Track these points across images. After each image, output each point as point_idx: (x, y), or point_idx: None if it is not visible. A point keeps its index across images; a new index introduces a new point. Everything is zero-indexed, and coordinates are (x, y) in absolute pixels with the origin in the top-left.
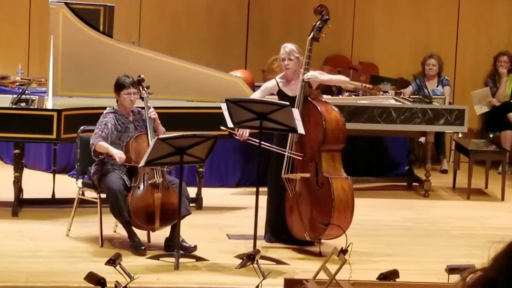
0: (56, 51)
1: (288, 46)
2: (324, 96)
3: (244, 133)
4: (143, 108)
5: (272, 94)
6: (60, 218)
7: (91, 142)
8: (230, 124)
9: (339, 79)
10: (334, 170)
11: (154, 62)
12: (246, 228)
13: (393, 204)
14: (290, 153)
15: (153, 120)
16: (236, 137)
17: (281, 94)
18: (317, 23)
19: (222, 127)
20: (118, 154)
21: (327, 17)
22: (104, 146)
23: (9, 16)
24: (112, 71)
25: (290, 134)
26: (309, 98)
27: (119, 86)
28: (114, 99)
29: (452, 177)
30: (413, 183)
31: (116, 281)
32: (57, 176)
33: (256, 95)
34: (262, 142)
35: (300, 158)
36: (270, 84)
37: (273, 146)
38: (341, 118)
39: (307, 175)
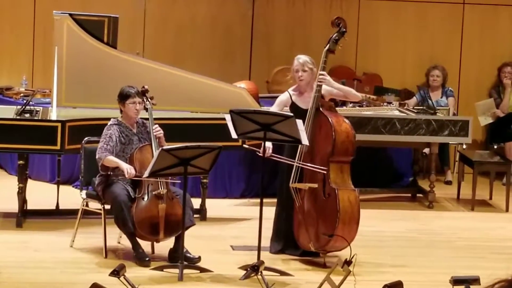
0: (60, 62)
1: (302, 58)
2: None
3: (267, 150)
4: (146, 119)
5: (285, 106)
6: (64, 229)
7: (97, 156)
8: (234, 135)
9: (350, 91)
10: (342, 181)
11: (158, 73)
12: (250, 239)
13: (397, 215)
14: (314, 167)
15: (157, 138)
16: (259, 154)
17: (294, 107)
18: (334, 35)
19: (245, 146)
20: (129, 170)
21: (344, 29)
22: (113, 160)
23: (14, 28)
24: (116, 82)
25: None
26: (321, 109)
27: (124, 96)
28: (118, 110)
29: (456, 188)
30: (417, 194)
31: None
32: (61, 187)
33: (273, 110)
34: (283, 158)
35: (325, 172)
36: (284, 97)
37: (285, 158)
38: (352, 130)
39: (315, 185)
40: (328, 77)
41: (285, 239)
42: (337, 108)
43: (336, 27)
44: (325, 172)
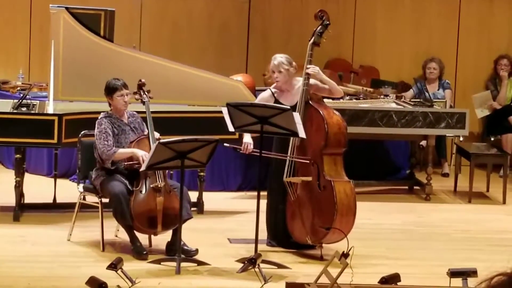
0: (57, 56)
1: (277, 59)
2: (325, 100)
3: (248, 146)
4: (139, 112)
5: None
6: (61, 222)
7: (106, 155)
8: (231, 128)
9: (336, 86)
10: (336, 173)
11: (155, 67)
12: (248, 232)
13: (394, 207)
14: (295, 158)
15: None
16: (241, 152)
17: (278, 104)
18: (318, 28)
19: (225, 144)
20: (144, 157)
21: (328, 22)
22: (124, 152)
23: (10, 21)
24: (113, 76)
25: (291, 138)
26: (310, 102)
27: (111, 90)
28: None
29: (453, 181)
30: (414, 187)
31: (118, 286)
32: (58, 180)
33: None
34: (265, 152)
35: (308, 162)
36: (266, 94)
37: (278, 154)
38: (343, 122)
39: (309, 178)
40: (317, 68)
41: (276, 234)
42: (334, 101)
43: (320, 20)
44: (308, 161)
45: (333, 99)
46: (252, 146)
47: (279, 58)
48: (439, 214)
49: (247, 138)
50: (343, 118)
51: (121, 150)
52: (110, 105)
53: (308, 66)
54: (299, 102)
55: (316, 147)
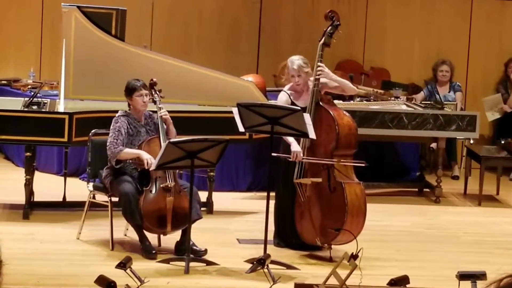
0: (68, 54)
1: (296, 63)
2: (335, 101)
3: (298, 155)
4: (154, 111)
5: None
6: (70, 221)
7: (110, 152)
8: (241, 128)
9: (348, 84)
10: (347, 175)
11: (166, 66)
12: (257, 233)
13: (404, 209)
14: (323, 161)
15: (164, 120)
16: (291, 160)
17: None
18: (328, 29)
19: (274, 154)
20: (149, 160)
21: (338, 23)
22: (130, 152)
23: (21, 20)
24: (124, 75)
25: (302, 139)
26: (321, 103)
27: (130, 90)
28: (125, 102)
29: (463, 183)
30: (424, 189)
31: (127, 285)
32: (68, 179)
33: None
34: (304, 158)
35: (334, 162)
36: (284, 97)
37: (313, 158)
38: (353, 123)
39: (319, 180)
40: (326, 69)
41: (284, 235)
42: (344, 103)
43: (330, 20)
44: (334, 162)
45: (348, 97)
46: (301, 154)
47: (297, 61)
48: (449, 217)
49: (296, 147)
50: (353, 119)
51: (127, 150)
52: (129, 105)
53: (318, 64)
54: (309, 103)
55: (326, 148)
